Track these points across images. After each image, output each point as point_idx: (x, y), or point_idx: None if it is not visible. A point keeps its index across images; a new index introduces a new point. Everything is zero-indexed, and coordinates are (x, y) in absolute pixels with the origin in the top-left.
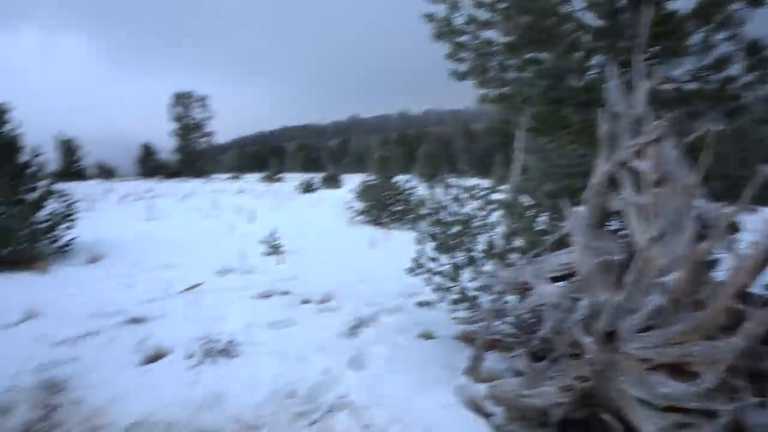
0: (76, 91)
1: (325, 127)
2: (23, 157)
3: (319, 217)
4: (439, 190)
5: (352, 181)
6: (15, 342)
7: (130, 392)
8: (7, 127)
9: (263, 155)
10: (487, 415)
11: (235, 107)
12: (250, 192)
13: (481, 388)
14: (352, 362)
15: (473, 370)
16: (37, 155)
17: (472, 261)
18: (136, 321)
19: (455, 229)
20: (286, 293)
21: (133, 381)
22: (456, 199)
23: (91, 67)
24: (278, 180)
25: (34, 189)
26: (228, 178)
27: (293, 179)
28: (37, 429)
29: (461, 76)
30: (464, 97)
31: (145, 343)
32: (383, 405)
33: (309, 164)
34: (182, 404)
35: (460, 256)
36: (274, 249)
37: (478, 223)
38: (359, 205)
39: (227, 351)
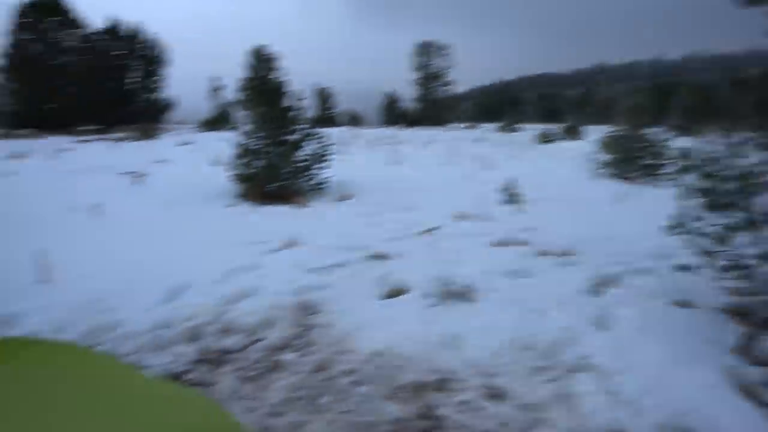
0: (330, 46)
1: (566, 76)
2: (287, 102)
3: (559, 169)
4: (707, 141)
5: (595, 132)
6: (278, 266)
7: (372, 323)
8: (275, 74)
9: (500, 105)
10: (764, 405)
11: (474, 57)
12: (487, 141)
13: (758, 372)
14: (595, 322)
15: (746, 350)
16: (299, 100)
17: (751, 223)
18: (378, 257)
19: (730, 185)
20: (523, 243)
21: (375, 313)
22: (733, 151)
23: (344, 23)
24: (515, 130)
25: (294, 131)
26: (465, 128)
27: (530, 130)
28: (293, 344)
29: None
30: (734, 37)
31: (387, 278)
32: (632, 373)
33: (547, 114)
34: (420, 341)
35: (735, 217)
36: (512, 198)
37: (760, 180)
38: (603, 158)
39: (464, 295)
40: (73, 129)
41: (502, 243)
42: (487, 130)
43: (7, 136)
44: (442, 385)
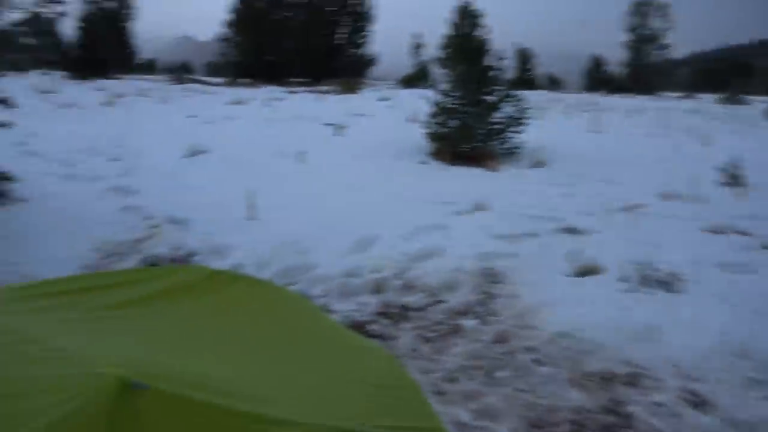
0: (536, 3)
1: None
2: (488, 62)
3: None
4: None
5: None
6: (465, 228)
7: (560, 300)
8: (478, 33)
9: (723, 73)
10: None
11: (697, 17)
12: (705, 114)
13: None
14: None
15: None
16: (499, 60)
17: None
18: (571, 231)
19: None
20: (744, 233)
21: (563, 290)
22: None
23: None
24: (740, 102)
25: (492, 92)
26: (679, 97)
27: (761, 103)
28: (475, 311)
29: None
30: None
31: (579, 255)
32: None
33: None
34: (612, 328)
35: None
36: (733, 179)
37: None
38: None
39: (668, 284)
40: (284, 80)
41: (717, 230)
42: (706, 101)
43: (230, 84)
44: (634, 380)
